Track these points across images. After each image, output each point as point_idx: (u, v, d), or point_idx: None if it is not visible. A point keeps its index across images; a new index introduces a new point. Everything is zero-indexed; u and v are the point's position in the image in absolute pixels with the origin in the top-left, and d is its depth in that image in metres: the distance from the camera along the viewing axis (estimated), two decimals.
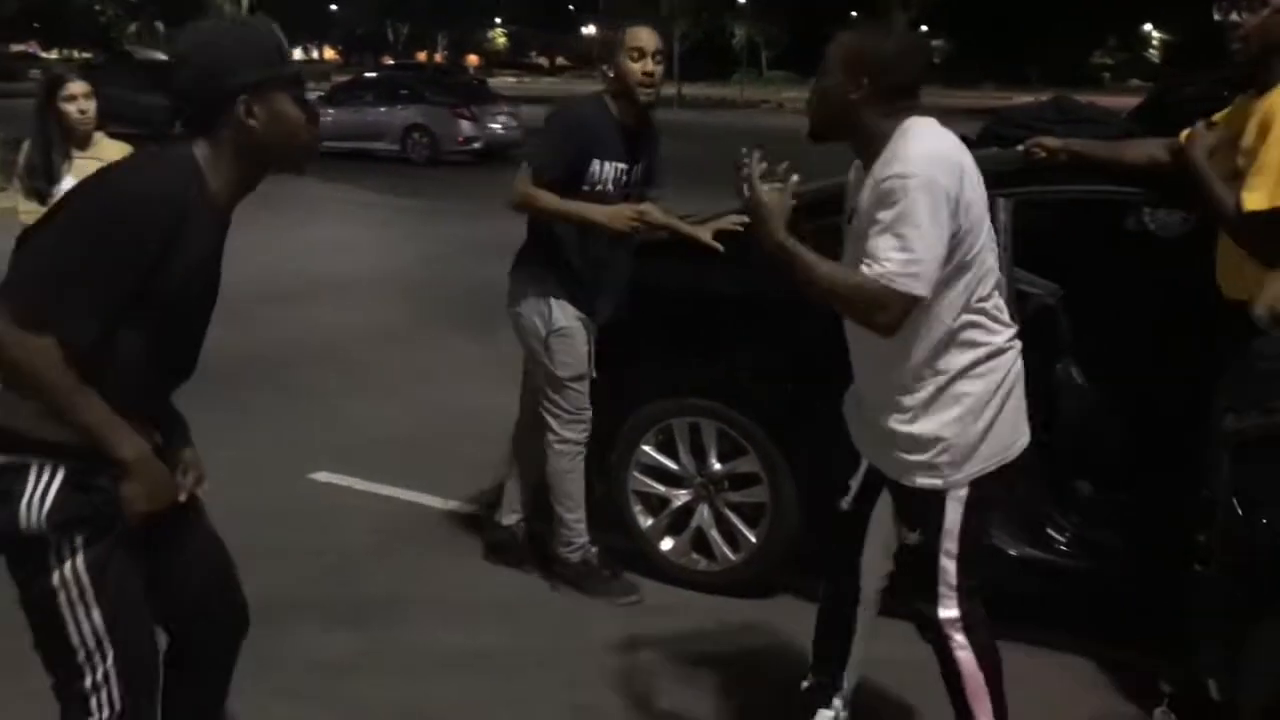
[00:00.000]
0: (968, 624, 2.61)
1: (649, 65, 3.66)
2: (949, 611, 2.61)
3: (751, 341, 3.81)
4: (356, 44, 71.86)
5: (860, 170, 2.58)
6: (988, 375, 2.52)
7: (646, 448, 3.96)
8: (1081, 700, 3.34)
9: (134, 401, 2.11)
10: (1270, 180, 2.90)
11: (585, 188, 3.70)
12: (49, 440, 2.06)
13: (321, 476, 5.04)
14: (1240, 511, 2.46)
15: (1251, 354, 2.69)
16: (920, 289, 2.34)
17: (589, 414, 3.90)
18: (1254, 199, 2.91)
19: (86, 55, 31.15)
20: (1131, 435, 3.71)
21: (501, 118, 20.50)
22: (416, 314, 8.27)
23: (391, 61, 41.75)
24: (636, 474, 3.98)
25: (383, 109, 20.23)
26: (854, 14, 59.48)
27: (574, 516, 3.96)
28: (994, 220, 3.46)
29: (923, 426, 2.52)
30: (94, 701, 2.16)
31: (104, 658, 2.15)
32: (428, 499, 4.80)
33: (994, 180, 3.59)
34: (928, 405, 2.51)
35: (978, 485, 2.54)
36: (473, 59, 69.60)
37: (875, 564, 2.85)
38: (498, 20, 77.35)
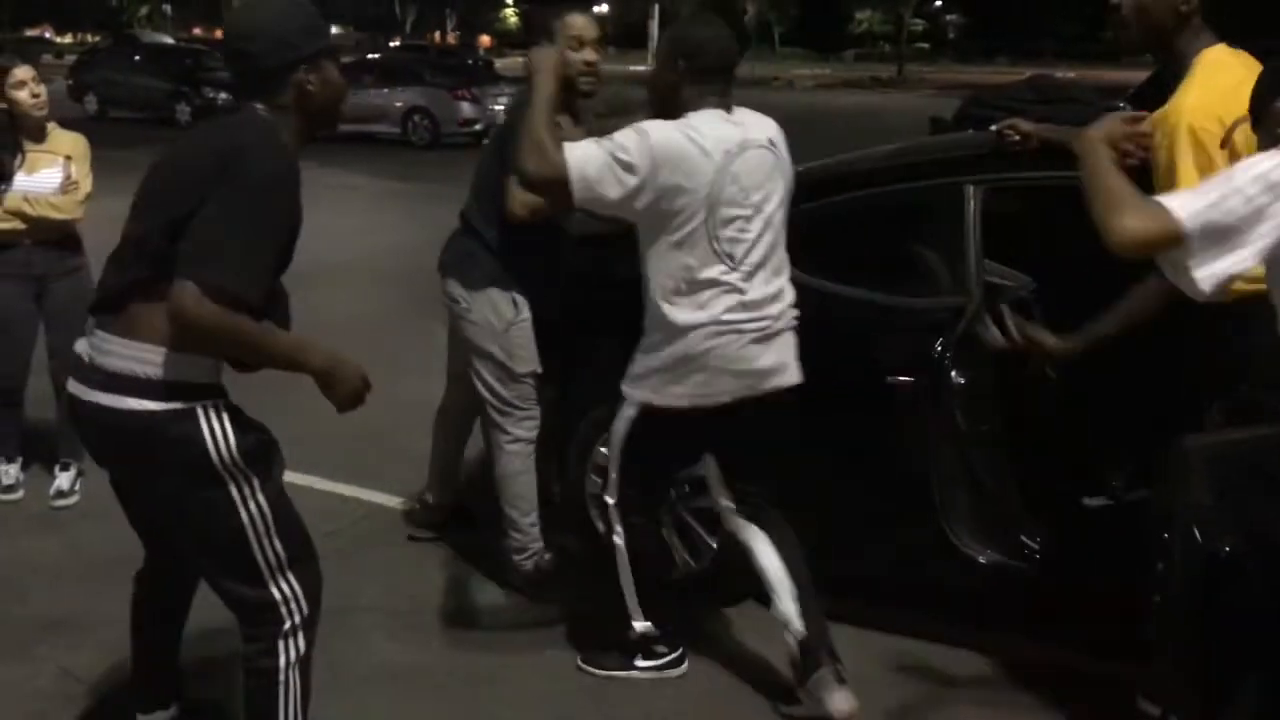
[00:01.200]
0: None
1: (589, 55, 3.55)
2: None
3: None
4: (367, 24, 71.72)
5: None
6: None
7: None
8: (1058, 715, 3.18)
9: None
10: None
11: None
12: (203, 383, 2.38)
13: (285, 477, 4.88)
14: (1197, 539, 2.27)
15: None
16: None
17: (538, 410, 3.77)
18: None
19: (97, 39, 31.15)
20: (1108, 436, 3.51)
21: (504, 99, 20.28)
22: (397, 301, 8.10)
23: (398, 42, 41.56)
24: (594, 477, 3.81)
25: (384, 91, 20.08)
26: None
27: (528, 520, 3.81)
28: (962, 207, 3.31)
29: None
30: (284, 611, 2.50)
31: (286, 575, 2.49)
32: (391, 500, 4.65)
33: (964, 166, 3.43)
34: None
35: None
36: (484, 39, 69.29)
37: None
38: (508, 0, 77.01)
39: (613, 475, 3.19)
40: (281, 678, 2.51)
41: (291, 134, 2.45)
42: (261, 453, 2.44)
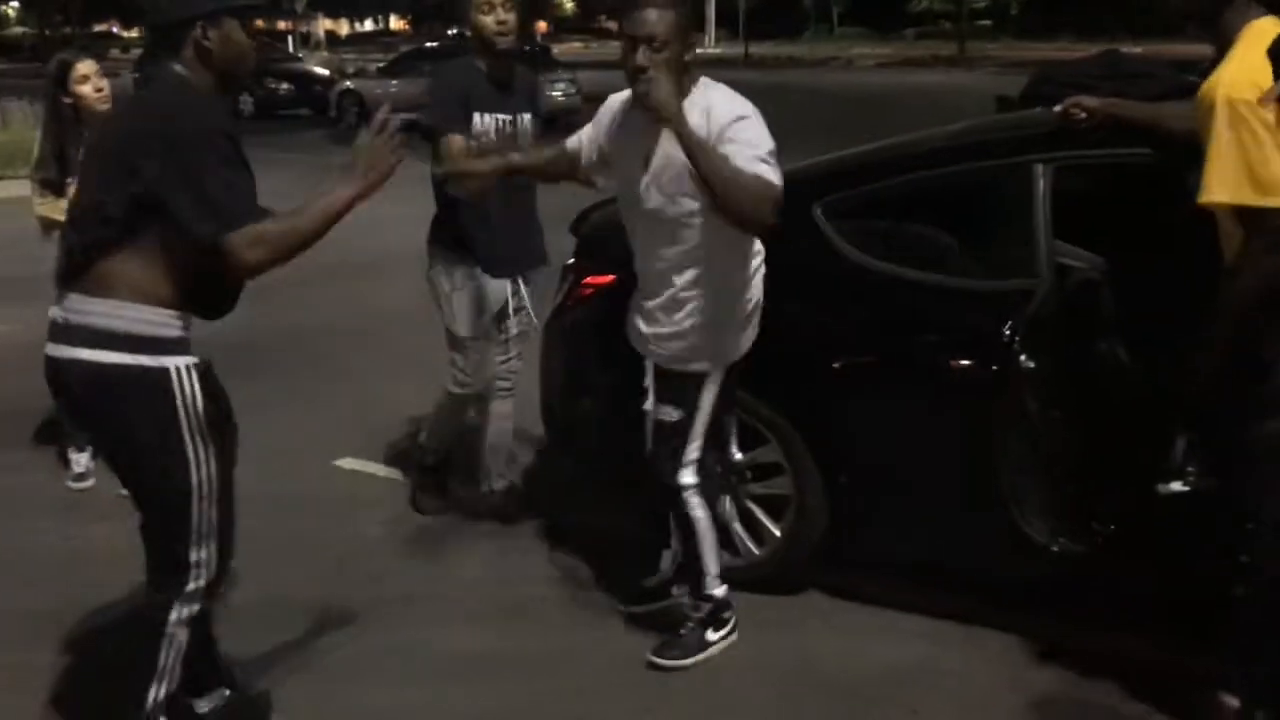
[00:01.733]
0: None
1: (500, 15, 3.87)
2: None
3: (772, 326, 3.58)
4: (426, 13, 72.09)
5: None
6: None
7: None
8: (1132, 706, 3.09)
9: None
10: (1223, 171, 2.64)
11: (472, 142, 3.82)
12: (175, 337, 2.55)
13: (346, 463, 4.93)
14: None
15: None
16: None
17: (480, 377, 4.15)
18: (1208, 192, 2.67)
19: None
20: (1183, 421, 3.40)
21: (561, 85, 20.31)
22: None
23: (455, 31, 41.70)
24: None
25: None
26: None
27: (431, 447, 4.36)
28: (1031, 187, 3.22)
29: None
30: (193, 574, 2.66)
31: (210, 542, 2.66)
32: (451, 487, 4.66)
33: (1032, 144, 3.35)
34: None
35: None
36: (541, 25, 69.36)
37: None
38: None
39: (693, 453, 3.22)
40: (169, 630, 2.66)
41: (205, 88, 2.58)
42: (221, 421, 2.62)
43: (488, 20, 3.85)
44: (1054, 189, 3.23)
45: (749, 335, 3.23)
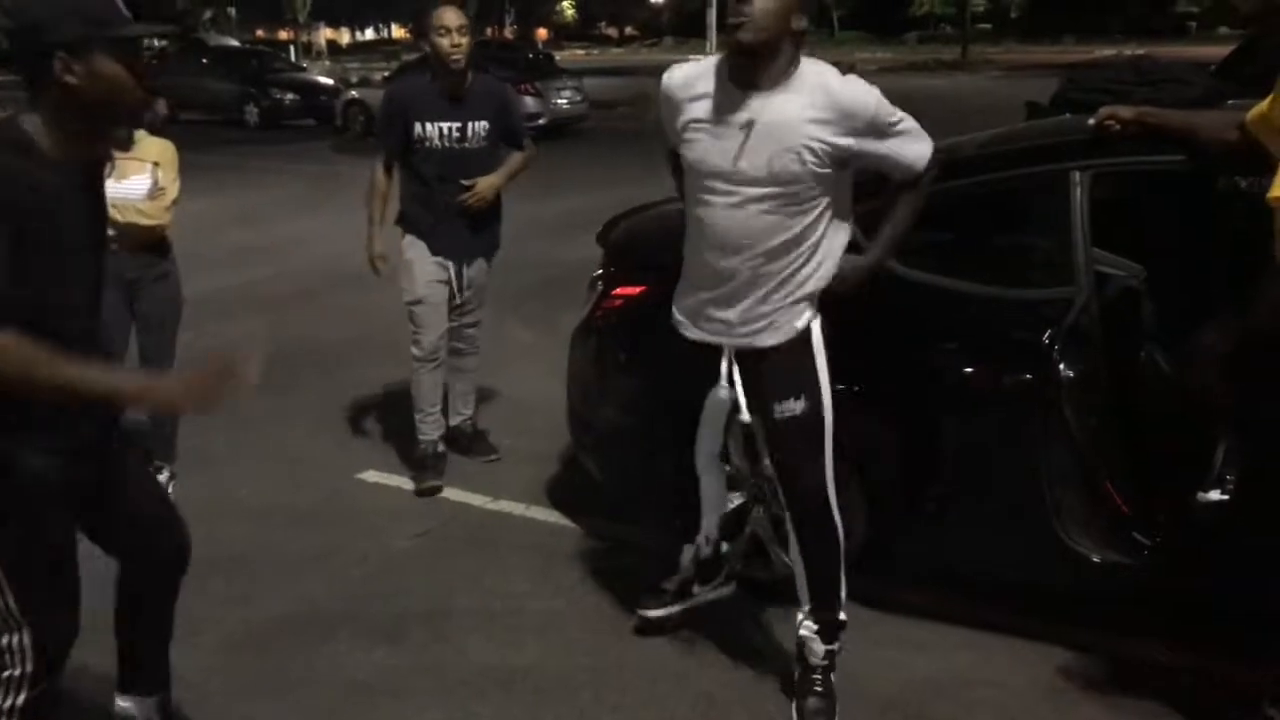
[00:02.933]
0: None
1: (453, 39, 4.41)
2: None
3: None
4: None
5: None
6: None
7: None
8: (1176, 717, 3.07)
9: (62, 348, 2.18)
10: None
11: (417, 146, 4.52)
12: None
13: (370, 476, 4.89)
14: None
15: None
16: None
17: (430, 336, 4.65)
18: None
19: (164, 43, 31.68)
20: (1223, 429, 3.38)
21: (566, 93, 20.30)
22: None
23: None
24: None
25: None
26: None
27: (419, 415, 4.78)
28: (1068, 195, 3.20)
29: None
30: (5, 660, 2.39)
31: (19, 630, 2.37)
32: (475, 498, 4.64)
33: (1068, 151, 3.32)
34: None
35: None
36: (541, 32, 69.41)
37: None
38: None
39: (828, 466, 3.01)
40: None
41: (52, 138, 2.22)
42: (10, 501, 2.30)
43: (443, 43, 4.42)
44: (1091, 196, 3.21)
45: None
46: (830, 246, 2.96)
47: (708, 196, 2.90)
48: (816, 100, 2.77)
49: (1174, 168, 3.21)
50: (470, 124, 4.55)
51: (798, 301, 2.95)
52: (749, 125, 2.79)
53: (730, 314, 2.97)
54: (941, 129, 4.11)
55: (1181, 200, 3.48)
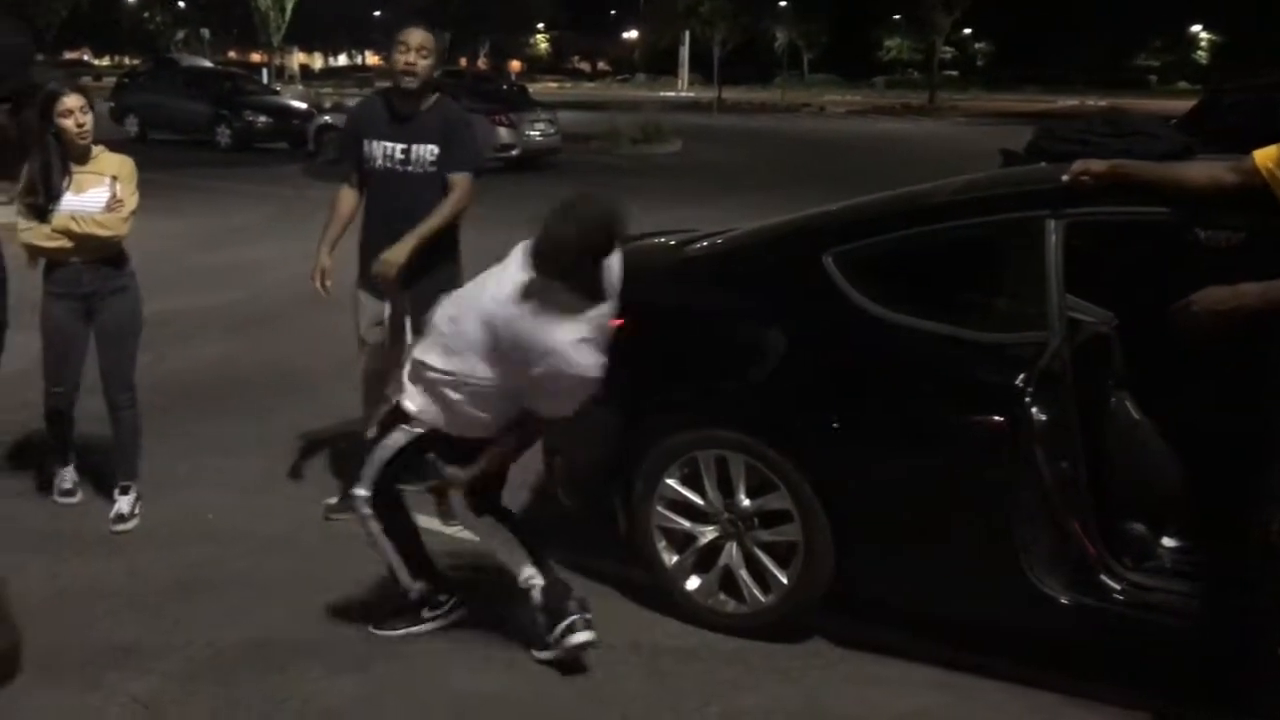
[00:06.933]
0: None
1: (410, 57, 4.37)
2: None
3: (783, 373, 3.60)
4: None
5: None
6: None
7: (670, 481, 3.74)
8: None
9: None
10: None
11: (366, 164, 4.51)
12: None
13: (336, 501, 4.85)
14: None
15: None
16: None
17: (370, 374, 4.60)
18: None
19: (135, 62, 31.49)
20: (1192, 473, 3.44)
21: (540, 125, 20.36)
22: None
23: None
24: (660, 509, 3.77)
25: None
26: (895, 16, 59.16)
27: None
28: (1043, 242, 3.26)
29: None
30: None
31: None
32: (448, 527, 4.60)
33: (1041, 200, 3.39)
34: None
35: None
36: (515, 64, 69.72)
37: None
38: (539, 25, 77.43)
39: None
40: None
41: None
42: None
43: (399, 59, 4.41)
44: (1065, 244, 3.27)
45: None
46: None
47: None
48: None
49: (1144, 218, 3.29)
50: (415, 147, 4.44)
51: None
52: None
53: None
54: (915, 172, 4.19)
55: (1151, 249, 3.55)
